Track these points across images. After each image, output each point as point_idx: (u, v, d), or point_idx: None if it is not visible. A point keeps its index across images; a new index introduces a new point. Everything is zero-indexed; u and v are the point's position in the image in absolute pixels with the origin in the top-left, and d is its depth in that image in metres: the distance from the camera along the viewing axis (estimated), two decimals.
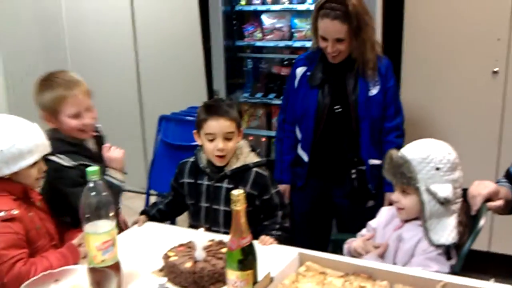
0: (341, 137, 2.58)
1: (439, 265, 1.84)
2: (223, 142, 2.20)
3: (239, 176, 2.25)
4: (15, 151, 1.83)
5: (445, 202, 1.86)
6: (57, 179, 2.13)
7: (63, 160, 2.14)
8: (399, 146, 2.41)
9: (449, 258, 1.88)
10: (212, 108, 2.25)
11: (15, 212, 1.82)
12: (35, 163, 1.90)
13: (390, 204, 2.50)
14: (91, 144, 2.30)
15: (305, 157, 2.66)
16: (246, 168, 2.26)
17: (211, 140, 2.21)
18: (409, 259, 1.91)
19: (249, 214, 2.00)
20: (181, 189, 2.37)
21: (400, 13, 3.24)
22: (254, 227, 2.09)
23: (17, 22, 5.00)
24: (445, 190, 1.85)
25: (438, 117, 3.32)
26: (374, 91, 2.53)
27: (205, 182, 2.30)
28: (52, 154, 2.10)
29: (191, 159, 2.36)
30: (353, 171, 2.58)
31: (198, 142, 2.31)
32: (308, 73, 2.62)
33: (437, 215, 1.87)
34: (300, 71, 2.66)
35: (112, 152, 2.24)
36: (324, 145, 2.62)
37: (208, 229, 2.21)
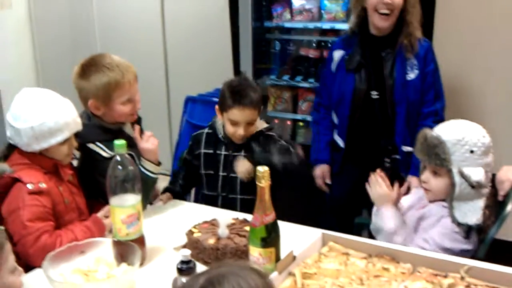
0: (376, 123, 2.54)
1: (452, 243, 1.83)
2: (245, 128, 2.26)
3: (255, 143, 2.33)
4: (45, 128, 1.82)
5: (476, 186, 1.83)
6: (94, 169, 2.08)
7: (102, 150, 2.09)
8: None
9: (467, 237, 1.85)
10: (238, 95, 2.24)
11: (43, 185, 1.84)
12: (65, 140, 1.89)
13: (408, 188, 2.49)
14: (128, 128, 2.24)
15: (341, 143, 2.64)
16: (259, 135, 2.34)
17: (234, 124, 2.26)
18: None
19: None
20: (196, 160, 2.41)
21: None
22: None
23: (51, 8, 5.05)
24: (478, 174, 1.83)
25: (471, 92, 3.24)
26: (412, 75, 2.47)
27: (223, 152, 2.36)
28: (92, 142, 2.10)
29: (206, 130, 2.41)
30: (387, 159, 2.55)
31: (219, 118, 2.35)
32: (346, 57, 2.57)
33: (466, 198, 1.85)
34: (337, 54, 2.62)
35: (145, 143, 2.13)
36: (360, 132, 2.59)
37: (225, 197, 2.36)
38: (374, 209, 2.06)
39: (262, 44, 3.70)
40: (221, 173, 2.36)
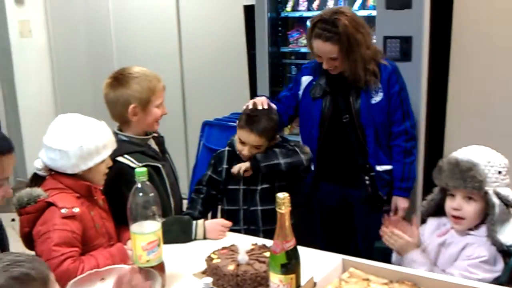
0: (350, 145, 2.60)
1: (483, 273, 1.80)
2: (249, 150, 2.40)
3: None
4: (93, 147, 1.90)
5: (510, 206, 1.84)
6: (121, 182, 2.07)
7: (131, 162, 2.13)
8: (407, 150, 2.57)
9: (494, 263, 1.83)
10: (250, 120, 2.40)
11: (76, 210, 1.87)
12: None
13: (396, 209, 2.60)
14: (153, 144, 2.34)
15: (312, 166, 2.63)
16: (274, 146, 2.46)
17: (241, 143, 2.42)
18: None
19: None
20: (219, 177, 2.51)
21: (449, 10, 3.13)
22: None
23: (69, 24, 5.15)
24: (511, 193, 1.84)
25: (487, 115, 3.18)
26: (377, 98, 2.54)
27: None
28: (121, 155, 2.14)
29: (226, 149, 2.54)
30: (366, 177, 2.60)
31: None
32: (314, 83, 2.65)
33: (504, 219, 1.84)
34: (305, 80, 2.69)
35: (220, 229, 2.22)
36: (332, 153, 2.65)
37: (246, 210, 2.46)
38: (394, 255, 2.04)
39: (279, 69, 3.73)
40: (241, 187, 2.48)
